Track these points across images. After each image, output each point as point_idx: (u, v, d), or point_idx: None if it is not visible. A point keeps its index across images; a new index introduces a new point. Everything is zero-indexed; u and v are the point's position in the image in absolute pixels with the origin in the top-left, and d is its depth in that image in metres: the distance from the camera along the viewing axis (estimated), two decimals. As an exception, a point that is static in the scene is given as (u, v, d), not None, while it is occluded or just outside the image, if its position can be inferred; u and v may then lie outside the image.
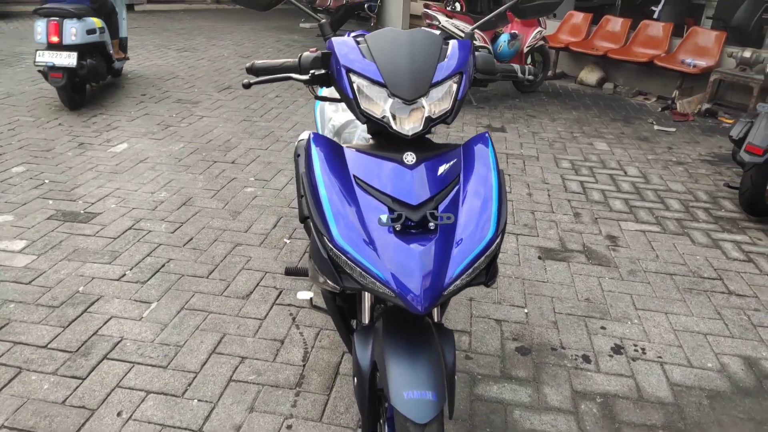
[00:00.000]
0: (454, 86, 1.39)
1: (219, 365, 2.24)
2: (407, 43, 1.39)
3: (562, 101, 6.48)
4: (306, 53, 1.53)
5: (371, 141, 1.49)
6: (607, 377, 2.32)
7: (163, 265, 2.88)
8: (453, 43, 1.46)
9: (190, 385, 2.13)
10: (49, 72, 4.74)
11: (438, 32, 1.57)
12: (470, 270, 1.28)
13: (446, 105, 1.39)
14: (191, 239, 3.14)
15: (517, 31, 5.97)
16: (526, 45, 6.13)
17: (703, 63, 6.02)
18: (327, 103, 2.33)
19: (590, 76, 7.11)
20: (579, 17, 7.44)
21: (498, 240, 1.32)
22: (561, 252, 3.24)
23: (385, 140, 1.45)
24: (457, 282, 1.27)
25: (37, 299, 2.57)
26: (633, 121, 5.80)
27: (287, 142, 4.71)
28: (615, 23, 7.09)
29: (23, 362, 2.20)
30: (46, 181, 3.78)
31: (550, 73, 7.18)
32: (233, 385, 2.14)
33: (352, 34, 2.49)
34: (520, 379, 2.27)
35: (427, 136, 1.48)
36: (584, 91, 7.05)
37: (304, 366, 2.26)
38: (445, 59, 1.40)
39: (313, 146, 1.43)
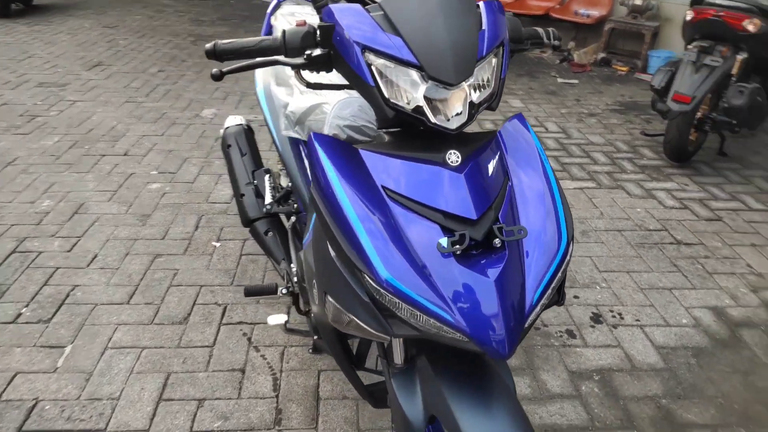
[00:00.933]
0: (494, 60, 1.09)
1: (173, 416, 1.83)
2: (440, 8, 1.05)
3: (463, 58, 6.35)
4: (291, 28, 1.14)
5: (386, 137, 1.15)
6: (596, 351, 2.21)
7: (68, 295, 2.35)
8: (482, 6, 1.14)
9: (142, 448, 1.72)
10: None
11: None
12: (549, 292, 1.02)
13: (489, 85, 1.08)
14: (96, 257, 2.61)
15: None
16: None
17: (596, 13, 6.13)
18: (274, 84, 1.92)
19: (485, 30, 7.04)
20: (468, -30, 7.29)
21: (571, 248, 1.07)
22: (512, 220, 3.10)
23: (409, 135, 1.12)
24: (537, 309, 1.00)
25: None
26: (537, 76, 5.81)
27: (186, 125, 4.13)
28: (504, -25, 7.03)
29: None
30: None
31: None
32: (197, 438, 1.76)
33: None
34: (515, 367, 2.10)
35: None
36: (481, 46, 6.97)
37: (277, 397, 1.92)
38: (483, 27, 1.09)
39: (319, 151, 1.08)
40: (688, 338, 2.30)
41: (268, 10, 2.19)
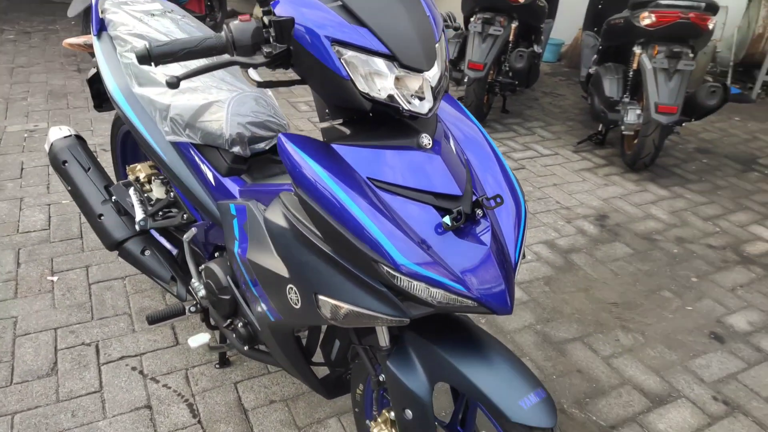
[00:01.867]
0: (437, 46, 1.14)
1: (87, 478, 1.58)
2: None
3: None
4: (237, 23, 1.05)
5: (346, 129, 1.14)
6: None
7: None
8: None
9: None
10: None
11: None
12: (522, 247, 1.15)
13: (438, 70, 1.13)
14: None
15: (190, -30, 5.35)
16: (201, -17, 5.57)
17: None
18: (135, 85, 1.69)
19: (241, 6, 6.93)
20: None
21: (527, 207, 1.21)
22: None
23: (370, 124, 1.12)
24: (519, 265, 1.13)
25: None
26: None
27: (-53, 146, 3.38)
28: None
29: None
30: None
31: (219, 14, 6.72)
32: (128, 493, 1.55)
33: None
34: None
35: None
36: (264, 29, 6.86)
37: (200, 422, 1.77)
38: (428, 13, 1.12)
39: (299, 152, 1.05)
40: (537, 271, 2.69)
41: (93, 2, 1.91)
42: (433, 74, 1.08)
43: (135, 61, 1.69)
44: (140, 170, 2.02)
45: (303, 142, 1.08)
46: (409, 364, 1.19)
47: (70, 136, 2.09)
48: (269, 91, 1.73)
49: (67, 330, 2.09)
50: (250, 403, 1.85)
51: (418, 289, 1.01)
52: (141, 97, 1.68)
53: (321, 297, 1.10)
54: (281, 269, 1.20)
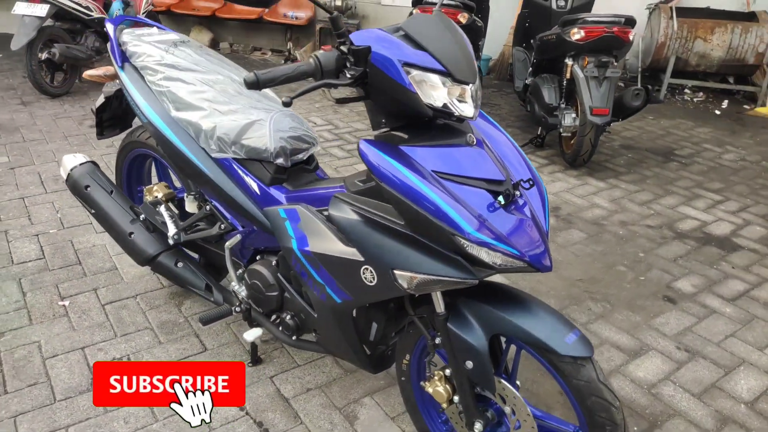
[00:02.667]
0: (476, 63, 1.42)
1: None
2: (446, 28, 1.34)
3: (192, 68, 6.27)
4: (322, 52, 1.28)
5: (404, 134, 1.37)
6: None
7: None
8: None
9: None
10: None
11: None
12: (549, 220, 1.44)
13: (478, 82, 1.39)
14: None
15: (129, -2, 5.40)
16: (141, 11, 5.64)
17: (303, 15, 6.71)
18: (173, 110, 1.84)
19: (201, 37, 7.03)
20: (166, -21, 7.11)
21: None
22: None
23: (423, 129, 1.37)
24: (548, 233, 1.41)
25: None
26: (274, 76, 6.13)
27: None
28: (207, -18, 7.09)
29: None
30: None
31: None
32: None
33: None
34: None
35: None
36: (202, 54, 6.94)
37: (248, 414, 1.92)
38: (464, 38, 1.40)
39: (381, 155, 1.31)
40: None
41: (112, 36, 2.04)
42: (475, 85, 1.35)
43: (172, 88, 1.85)
44: (157, 190, 2.16)
45: (381, 146, 1.32)
46: (465, 323, 1.43)
47: (87, 162, 2.19)
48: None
49: (94, 348, 2.17)
50: (289, 393, 2.02)
51: (483, 254, 1.27)
52: (180, 120, 1.84)
53: (397, 272, 1.34)
54: (353, 254, 1.42)
